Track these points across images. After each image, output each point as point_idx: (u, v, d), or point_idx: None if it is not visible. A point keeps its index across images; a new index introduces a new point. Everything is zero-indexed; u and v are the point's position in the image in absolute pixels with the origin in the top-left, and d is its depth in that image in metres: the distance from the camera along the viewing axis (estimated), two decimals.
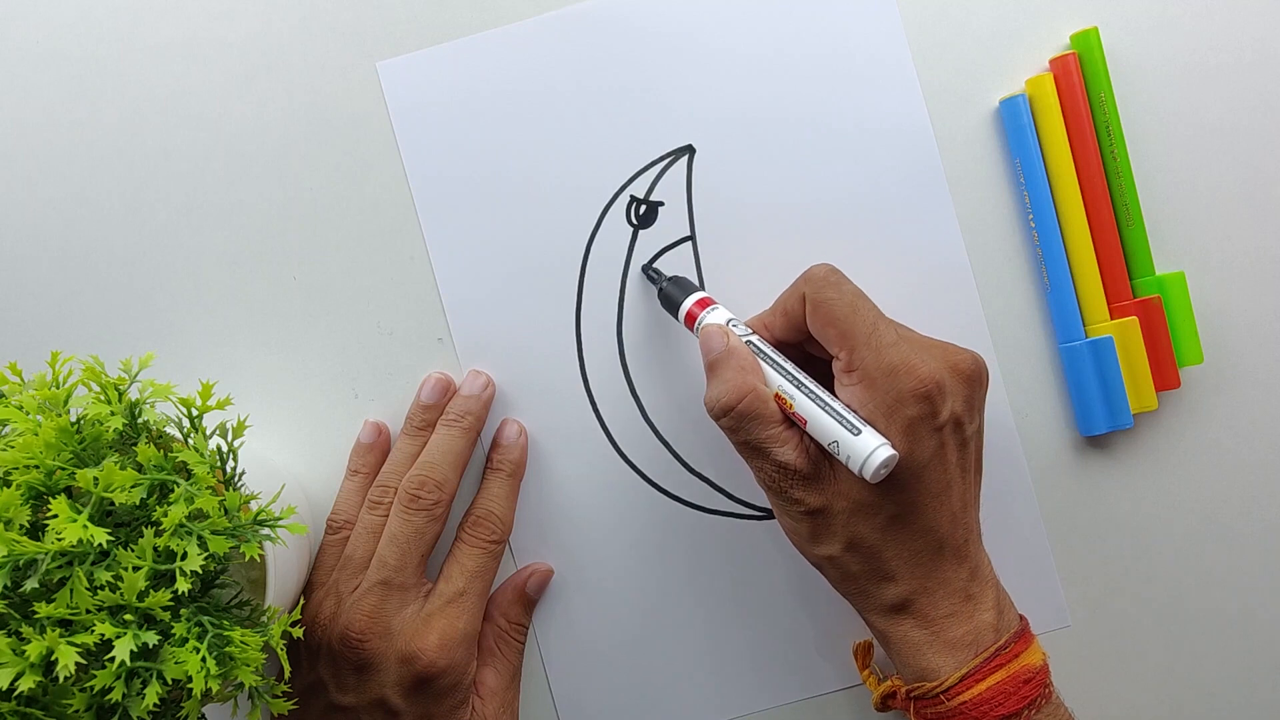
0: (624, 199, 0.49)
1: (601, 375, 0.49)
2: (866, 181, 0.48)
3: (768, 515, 0.49)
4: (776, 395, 0.41)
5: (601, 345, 0.49)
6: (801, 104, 0.48)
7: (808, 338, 0.43)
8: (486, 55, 0.48)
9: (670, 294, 0.46)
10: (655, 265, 0.48)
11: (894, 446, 0.39)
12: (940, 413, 0.39)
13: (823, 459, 0.41)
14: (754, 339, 0.43)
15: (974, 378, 0.41)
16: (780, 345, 0.44)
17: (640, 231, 0.49)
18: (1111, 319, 0.48)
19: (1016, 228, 0.49)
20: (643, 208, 0.49)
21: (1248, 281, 0.49)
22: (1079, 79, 0.47)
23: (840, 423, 0.39)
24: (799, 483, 0.41)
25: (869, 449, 0.38)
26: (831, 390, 0.41)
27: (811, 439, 0.41)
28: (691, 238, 0.49)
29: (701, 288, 0.47)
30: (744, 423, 0.41)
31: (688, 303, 0.45)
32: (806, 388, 0.41)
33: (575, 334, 0.49)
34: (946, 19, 0.48)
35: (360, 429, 0.48)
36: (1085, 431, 0.48)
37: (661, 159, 0.49)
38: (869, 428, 0.39)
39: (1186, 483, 0.49)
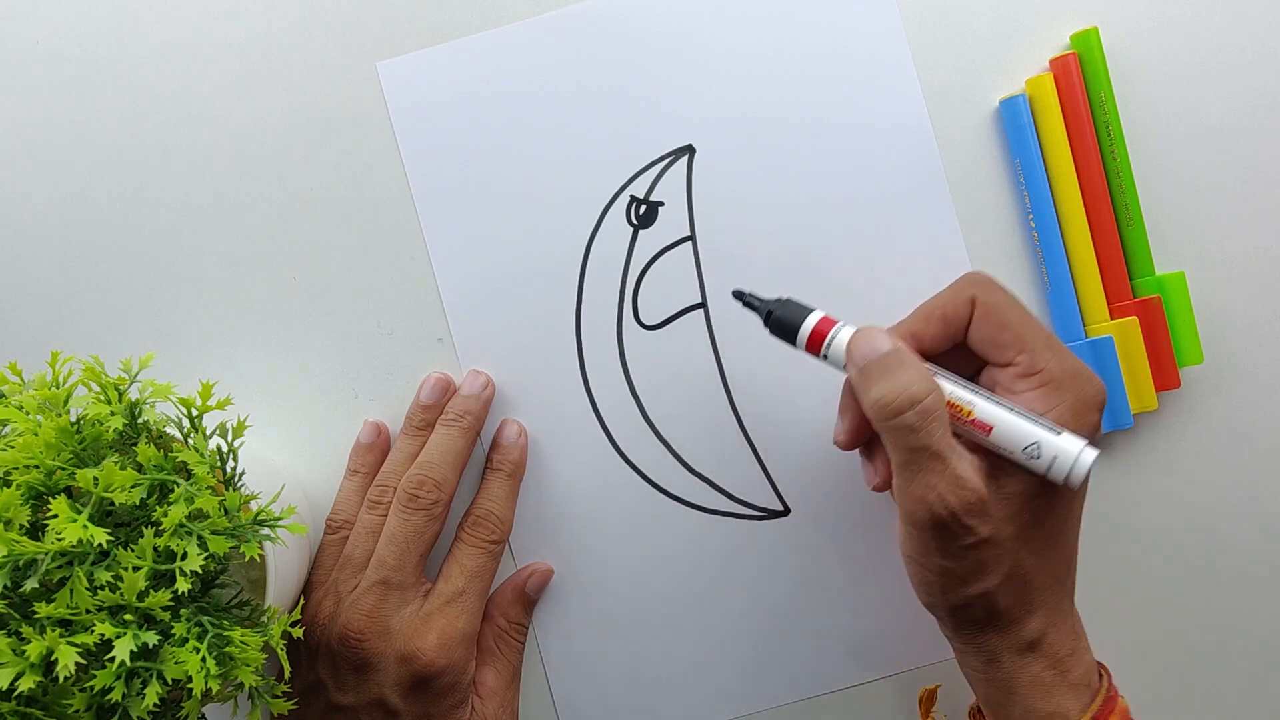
0: (624, 199, 0.49)
1: (601, 375, 0.49)
2: (867, 181, 0.48)
3: (768, 515, 0.49)
4: (949, 403, 0.38)
5: (601, 345, 0.49)
6: (802, 104, 0.48)
7: (949, 354, 0.41)
8: (486, 55, 0.48)
9: (784, 317, 0.41)
10: (747, 291, 0.43)
11: None
12: (1101, 423, 0.39)
13: (992, 482, 0.37)
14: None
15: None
16: (925, 358, 0.40)
17: (640, 231, 0.49)
18: (1111, 319, 0.48)
19: (1016, 228, 0.49)
20: (643, 208, 0.49)
21: (1248, 281, 0.49)
22: (1079, 79, 0.47)
23: (1038, 424, 0.37)
24: (975, 507, 0.36)
25: (1077, 448, 0.36)
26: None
27: (981, 458, 0.38)
28: (691, 238, 0.49)
29: (701, 290, 0.46)
30: (929, 421, 0.36)
31: (810, 321, 0.41)
32: (983, 393, 0.38)
33: (575, 334, 0.49)
34: (946, 19, 0.48)
35: (360, 429, 0.48)
36: None
37: (661, 159, 0.49)
38: (1066, 429, 0.37)
39: (1186, 483, 0.49)
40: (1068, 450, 0.36)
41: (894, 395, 0.37)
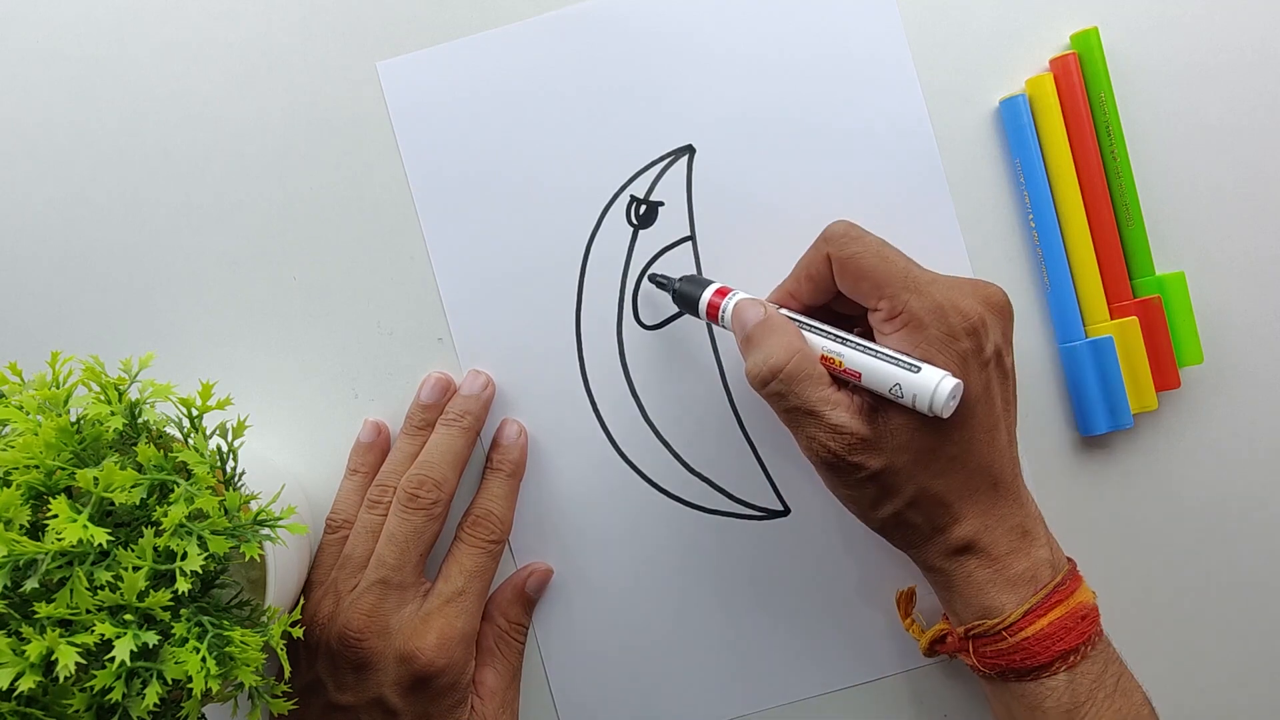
0: (624, 199, 0.49)
1: (601, 375, 0.49)
2: (867, 181, 0.48)
3: (768, 515, 0.49)
4: (823, 357, 0.41)
5: (601, 345, 0.49)
6: (802, 104, 0.48)
7: (834, 298, 0.43)
8: (486, 55, 0.48)
9: (685, 291, 0.45)
10: (657, 272, 0.48)
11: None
12: (985, 347, 0.40)
13: (876, 417, 0.40)
14: (783, 311, 0.43)
15: (1006, 310, 0.41)
16: (807, 312, 0.44)
17: (640, 231, 0.49)
18: (1111, 319, 0.48)
19: (1016, 228, 0.49)
20: (643, 208, 0.49)
21: (1248, 281, 0.49)
22: (1079, 79, 0.47)
23: (898, 365, 0.39)
24: (857, 445, 0.40)
25: (934, 381, 0.38)
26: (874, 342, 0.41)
27: (863, 397, 0.40)
28: (691, 238, 0.49)
29: (709, 280, 0.47)
30: (793, 385, 0.40)
31: (707, 294, 0.45)
32: (853, 341, 0.41)
33: (575, 334, 0.49)
34: (946, 19, 0.48)
35: (360, 429, 0.48)
36: (1085, 431, 0.48)
37: (662, 159, 0.49)
38: (926, 364, 0.39)
39: (1186, 483, 0.49)
40: (926, 385, 0.38)
41: (758, 366, 0.40)
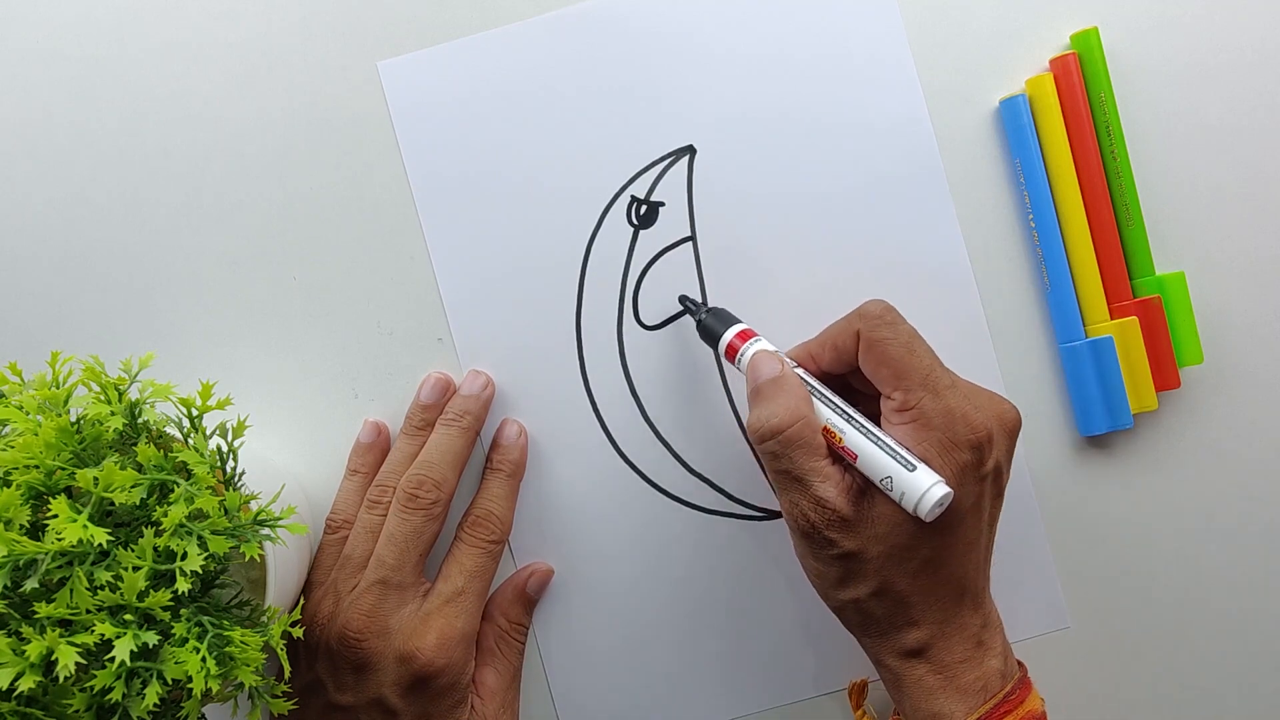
0: (624, 199, 0.49)
1: (601, 375, 0.49)
2: (867, 181, 0.48)
3: (768, 516, 0.49)
4: (825, 428, 0.41)
5: (601, 345, 0.49)
6: (802, 104, 0.48)
7: (854, 372, 0.43)
8: (487, 55, 0.48)
9: (709, 325, 0.45)
10: (690, 296, 0.48)
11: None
12: (986, 462, 0.40)
13: (861, 501, 0.40)
14: (800, 371, 0.43)
15: (1015, 429, 0.41)
16: (825, 379, 0.43)
17: (641, 232, 0.49)
18: (1111, 319, 0.48)
19: (1016, 228, 0.49)
20: (643, 208, 0.49)
21: (1248, 281, 0.49)
22: (1079, 79, 0.47)
23: (895, 458, 0.39)
24: (835, 523, 0.40)
25: (925, 485, 0.38)
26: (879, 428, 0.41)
27: (855, 478, 0.40)
28: (692, 238, 0.49)
29: (702, 294, 0.47)
30: (790, 449, 0.40)
31: (729, 334, 0.44)
32: (857, 422, 0.40)
33: (575, 334, 0.49)
34: (946, 19, 0.48)
35: (360, 429, 0.48)
36: (1085, 431, 0.48)
37: (662, 159, 0.49)
38: (924, 465, 0.39)
39: (1186, 483, 0.49)
40: (916, 486, 0.38)
41: (760, 423, 0.40)
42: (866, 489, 0.40)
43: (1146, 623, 0.49)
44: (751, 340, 0.44)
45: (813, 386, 0.42)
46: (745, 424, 0.41)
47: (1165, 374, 0.48)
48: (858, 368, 0.42)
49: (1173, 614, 0.49)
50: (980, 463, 0.39)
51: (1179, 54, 0.48)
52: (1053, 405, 0.49)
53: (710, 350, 0.48)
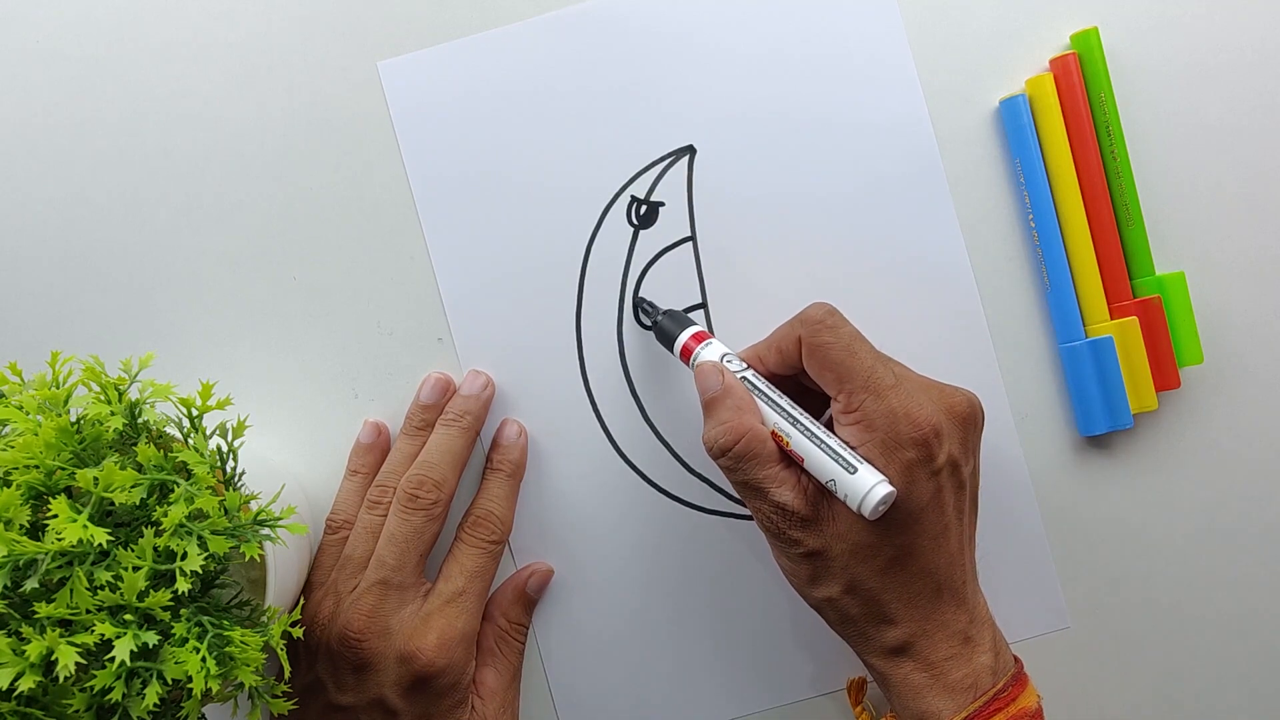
0: (624, 199, 0.49)
1: (601, 375, 0.49)
2: (867, 181, 0.48)
3: None
4: (773, 432, 0.41)
5: (601, 345, 0.49)
6: (802, 104, 0.48)
7: (803, 372, 0.43)
8: (487, 55, 0.48)
9: (665, 327, 0.46)
10: (647, 298, 0.48)
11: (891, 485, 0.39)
12: (937, 456, 0.40)
13: (821, 500, 0.40)
14: (749, 374, 0.43)
15: (969, 420, 0.41)
16: (776, 379, 0.43)
17: (641, 232, 0.49)
18: (1111, 319, 0.48)
19: (1016, 228, 0.49)
20: (643, 208, 0.49)
21: (1248, 281, 0.49)
22: (1079, 79, 0.47)
23: (837, 461, 0.39)
24: (797, 524, 0.40)
25: (866, 486, 0.38)
26: (829, 426, 0.41)
27: (810, 479, 0.41)
28: (692, 238, 0.49)
29: (702, 295, 0.47)
30: (741, 463, 0.41)
31: (682, 337, 0.45)
32: (803, 425, 0.41)
33: (575, 334, 0.49)
34: (946, 19, 0.48)
35: (360, 429, 0.48)
36: (1085, 431, 0.48)
37: (662, 159, 0.49)
38: (866, 465, 0.39)
39: (1186, 483, 0.49)
40: (858, 487, 0.38)
41: (710, 441, 0.41)
42: (825, 490, 0.40)
43: (1146, 623, 0.49)
44: (703, 344, 0.44)
45: (759, 390, 0.42)
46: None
47: (1165, 374, 0.48)
48: (799, 369, 0.42)
49: (1173, 614, 0.49)
50: (930, 458, 0.39)
51: (1179, 54, 0.48)
52: (1053, 405, 0.49)
53: None
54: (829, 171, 0.48)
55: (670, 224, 0.49)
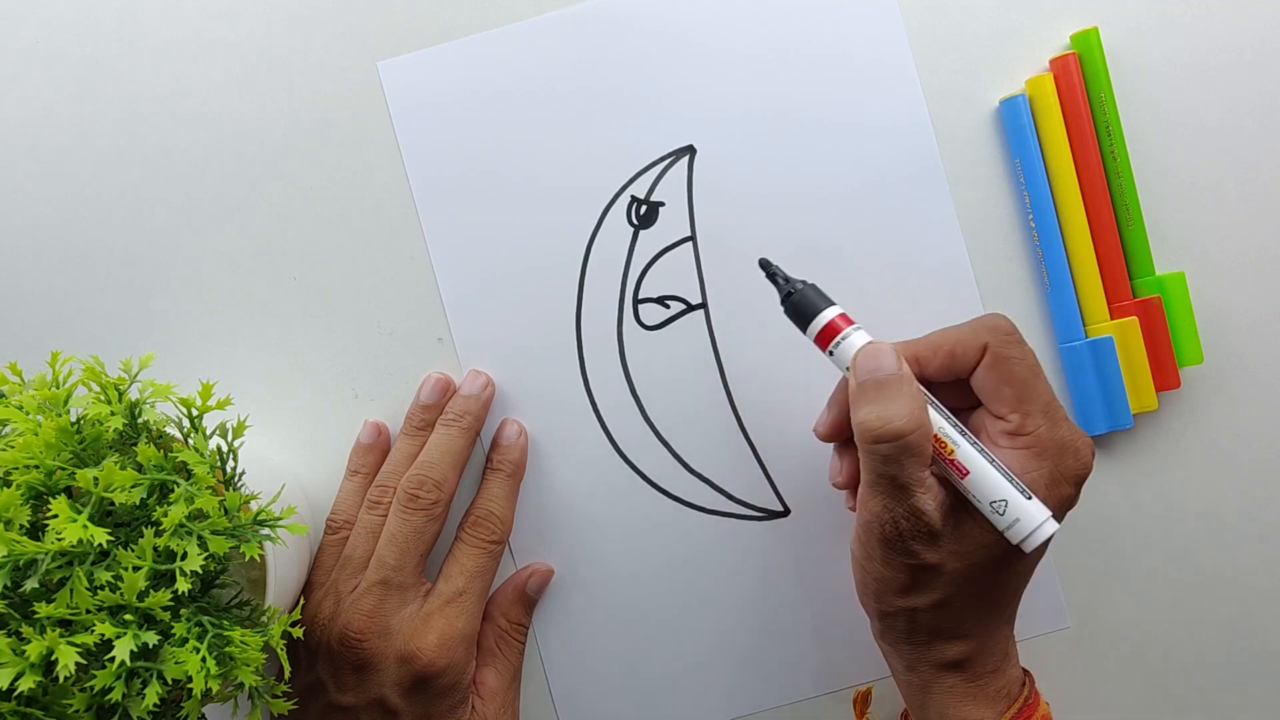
0: (625, 199, 0.49)
1: (601, 375, 0.49)
2: (867, 181, 0.48)
3: (768, 516, 0.49)
4: (935, 436, 0.39)
5: (601, 345, 0.49)
6: (802, 104, 0.48)
7: (952, 382, 0.41)
8: (487, 55, 0.48)
9: (805, 300, 0.41)
10: (772, 262, 0.43)
11: None
12: (1077, 500, 0.40)
13: (951, 517, 0.39)
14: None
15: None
16: (923, 382, 0.41)
17: (641, 232, 0.49)
18: (1111, 319, 0.48)
19: (1016, 228, 0.49)
20: (643, 208, 0.49)
21: (1248, 281, 0.49)
22: (1079, 79, 0.47)
23: (1012, 483, 0.38)
24: (923, 536, 0.38)
25: (1040, 518, 0.37)
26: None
27: (949, 494, 0.39)
28: (692, 238, 0.49)
29: (702, 292, 0.47)
30: (905, 456, 0.38)
31: (826, 314, 0.41)
32: (970, 437, 0.39)
33: (575, 334, 0.49)
34: (946, 19, 0.48)
35: (360, 429, 0.48)
36: (1085, 431, 0.48)
37: (662, 159, 0.49)
38: (1035, 496, 0.38)
39: (1186, 483, 0.49)
40: (1032, 517, 0.37)
41: (880, 424, 0.38)
42: (957, 505, 0.39)
43: (1146, 623, 0.49)
44: (853, 327, 0.41)
45: (923, 393, 0.40)
46: (855, 420, 0.39)
47: (1165, 374, 0.48)
48: (960, 379, 0.41)
49: (1173, 614, 0.49)
50: (1075, 499, 0.39)
51: (1179, 54, 0.48)
52: None
53: (711, 349, 0.48)
54: (829, 171, 0.48)
55: (670, 224, 0.49)
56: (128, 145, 0.48)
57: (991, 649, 0.41)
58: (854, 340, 0.40)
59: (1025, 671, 0.43)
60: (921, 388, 0.40)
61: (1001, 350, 0.39)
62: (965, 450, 0.38)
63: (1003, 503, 0.37)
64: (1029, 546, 0.38)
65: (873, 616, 0.43)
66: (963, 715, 0.41)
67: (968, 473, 0.38)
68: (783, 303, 0.42)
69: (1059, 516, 0.39)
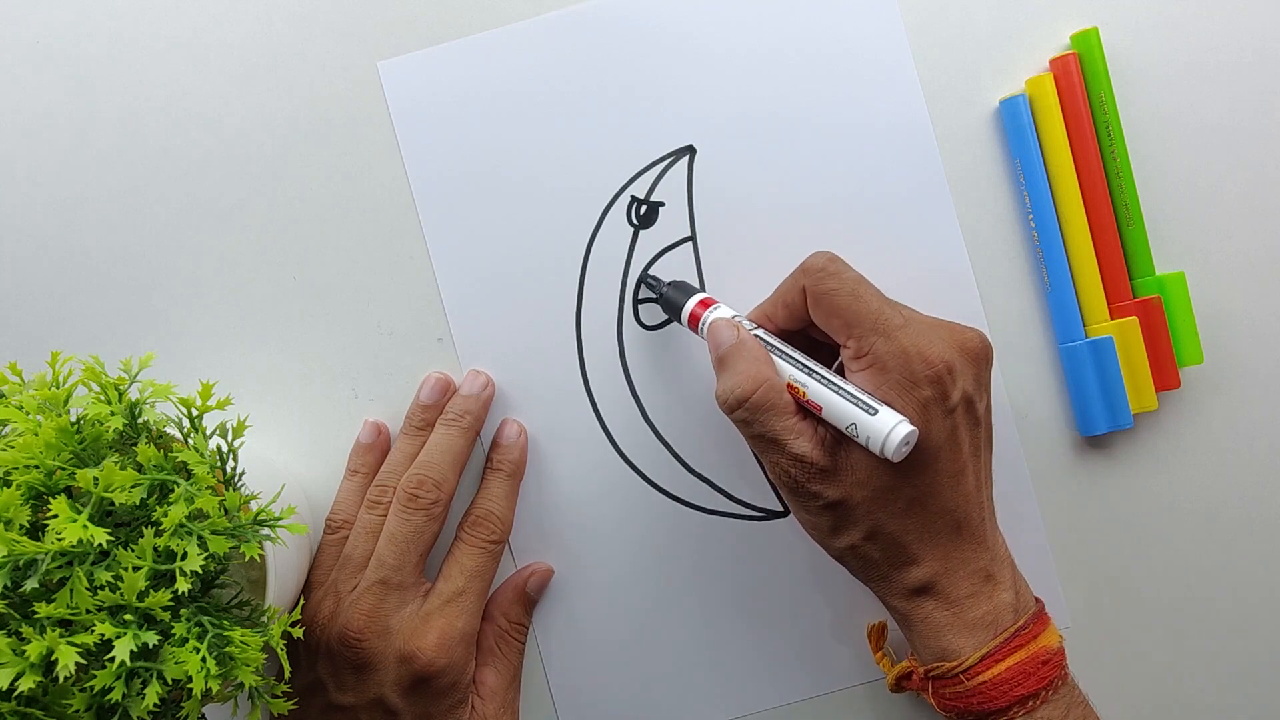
0: (625, 199, 0.49)
1: (601, 375, 0.49)
2: (867, 182, 0.48)
3: (768, 516, 0.49)
4: (789, 385, 0.41)
5: (601, 345, 0.49)
6: (802, 104, 0.48)
7: (811, 325, 0.43)
8: (487, 55, 0.48)
9: (671, 298, 0.46)
10: (652, 273, 0.48)
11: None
12: (952, 394, 0.40)
13: (838, 450, 0.40)
14: (759, 332, 0.43)
15: (981, 356, 0.41)
16: (784, 335, 0.44)
17: (641, 232, 0.49)
18: (1111, 319, 0.48)
19: (1016, 228, 0.49)
20: (643, 208, 0.49)
21: (1248, 281, 0.49)
22: (1079, 79, 0.47)
23: (856, 404, 0.39)
24: (816, 475, 0.40)
25: (888, 426, 0.38)
26: (842, 376, 0.41)
27: (827, 430, 0.41)
28: (692, 238, 0.49)
29: (702, 288, 0.47)
30: (758, 414, 0.40)
31: (690, 304, 0.45)
32: (818, 374, 0.41)
33: (575, 334, 0.49)
34: (946, 19, 0.48)
35: (360, 429, 0.48)
36: (1085, 431, 0.48)
37: (662, 159, 0.49)
38: (885, 407, 0.39)
39: (1186, 483, 0.49)
40: (879, 429, 0.38)
41: (726, 393, 0.41)
42: (841, 438, 0.41)
43: (1146, 623, 0.49)
44: (711, 308, 0.44)
45: (772, 345, 0.42)
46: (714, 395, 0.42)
47: (1165, 374, 0.48)
48: (813, 321, 0.42)
49: (1173, 614, 0.49)
50: (945, 395, 0.40)
51: (1179, 54, 0.48)
52: (1053, 405, 0.49)
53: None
54: (829, 171, 0.48)
55: (670, 224, 0.49)
56: (128, 145, 0.48)
57: (957, 570, 0.41)
58: (709, 318, 0.44)
59: (1037, 600, 0.43)
60: (774, 342, 0.42)
61: (816, 287, 0.41)
62: (814, 388, 0.40)
63: (853, 425, 0.39)
64: (891, 454, 0.38)
65: (839, 563, 0.43)
66: (942, 645, 0.41)
67: (821, 408, 0.40)
68: (660, 305, 0.47)
69: (933, 415, 0.39)
